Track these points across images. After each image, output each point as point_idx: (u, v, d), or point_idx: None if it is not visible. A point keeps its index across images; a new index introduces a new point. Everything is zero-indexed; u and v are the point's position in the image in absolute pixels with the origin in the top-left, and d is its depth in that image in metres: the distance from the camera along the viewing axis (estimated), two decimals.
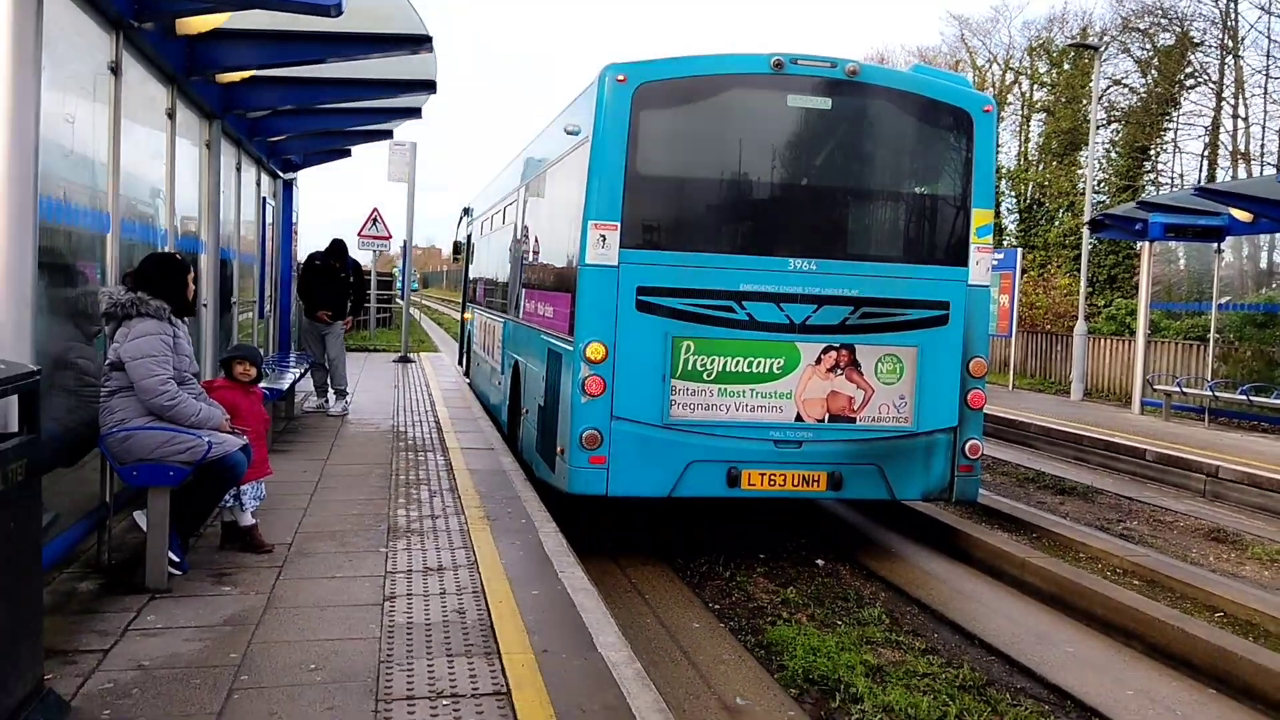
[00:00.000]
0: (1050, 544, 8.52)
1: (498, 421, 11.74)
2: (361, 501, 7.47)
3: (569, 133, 8.39)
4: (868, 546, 8.82)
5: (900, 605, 7.27)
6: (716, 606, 7.03)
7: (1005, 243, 35.81)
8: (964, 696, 5.43)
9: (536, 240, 10.30)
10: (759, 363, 7.59)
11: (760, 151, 7.96)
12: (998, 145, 39.09)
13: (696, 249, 7.62)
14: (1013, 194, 39.39)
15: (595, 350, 7.38)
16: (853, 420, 7.74)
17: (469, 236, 17.56)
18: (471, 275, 17.14)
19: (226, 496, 5.91)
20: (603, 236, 7.42)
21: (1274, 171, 26.54)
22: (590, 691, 4.20)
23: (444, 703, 4.02)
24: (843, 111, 7.88)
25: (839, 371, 7.69)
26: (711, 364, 7.55)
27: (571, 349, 7.65)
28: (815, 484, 7.69)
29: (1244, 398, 14.72)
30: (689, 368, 7.50)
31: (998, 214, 38.44)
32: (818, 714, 5.24)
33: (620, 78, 7.41)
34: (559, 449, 7.83)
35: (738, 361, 7.57)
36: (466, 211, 17.99)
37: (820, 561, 8.26)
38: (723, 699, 5.35)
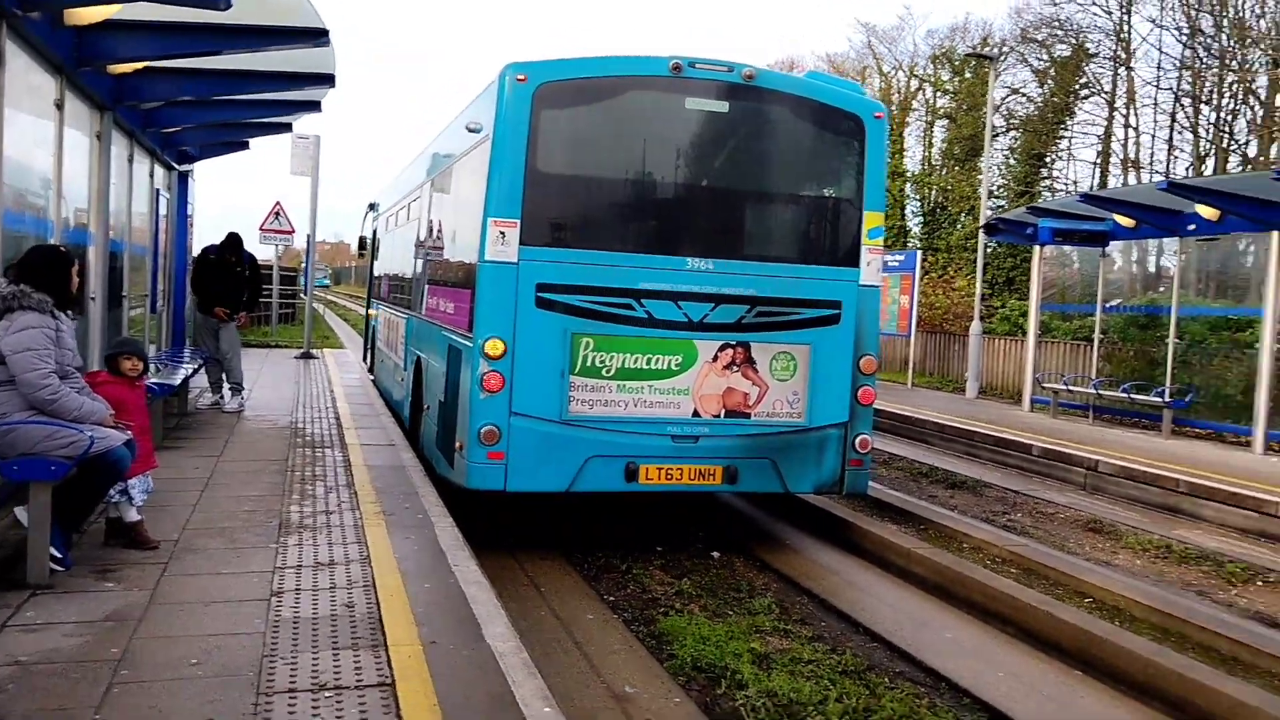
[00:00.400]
0: (936, 535, 8.83)
1: (400, 418, 11.69)
2: (254, 498, 7.38)
3: (470, 130, 8.42)
4: (763, 539, 9.02)
5: (791, 595, 7.46)
6: (612, 598, 7.14)
7: (909, 245, 36.72)
8: (845, 681, 5.62)
9: (439, 236, 10.30)
10: (657, 360, 7.74)
11: (659, 152, 8.10)
12: (903, 150, 40.16)
13: (596, 247, 7.72)
14: (917, 197, 40.41)
15: (494, 347, 7.45)
16: (748, 416, 7.93)
17: (374, 232, 17.46)
18: (376, 271, 17.06)
19: (113, 492, 5.80)
20: (502, 233, 7.48)
21: (1161, 179, 27.71)
22: (476, 681, 4.26)
23: (326, 695, 4.04)
24: (739, 115, 8.06)
25: (735, 368, 7.88)
26: (610, 361, 7.66)
27: (471, 345, 7.71)
28: (711, 478, 7.89)
29: (1125, 395, 15.38)
30: (588, 364, 7.60)
31: (902, 217, 39.43)
32: (703, 700, 5.37)
33: (520, 77, 7.48)
34: (458, 445, 7.87)
35: (636, 358, 7.70)
36: (372, 206, 17.91)
37: (716, 554, 8.42)
38: (611, 687, 5.45)
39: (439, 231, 10.30)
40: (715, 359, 7.83)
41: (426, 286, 10.65)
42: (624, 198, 8.07)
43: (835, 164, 8.47)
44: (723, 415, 7.87)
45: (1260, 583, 8.10)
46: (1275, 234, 13.16)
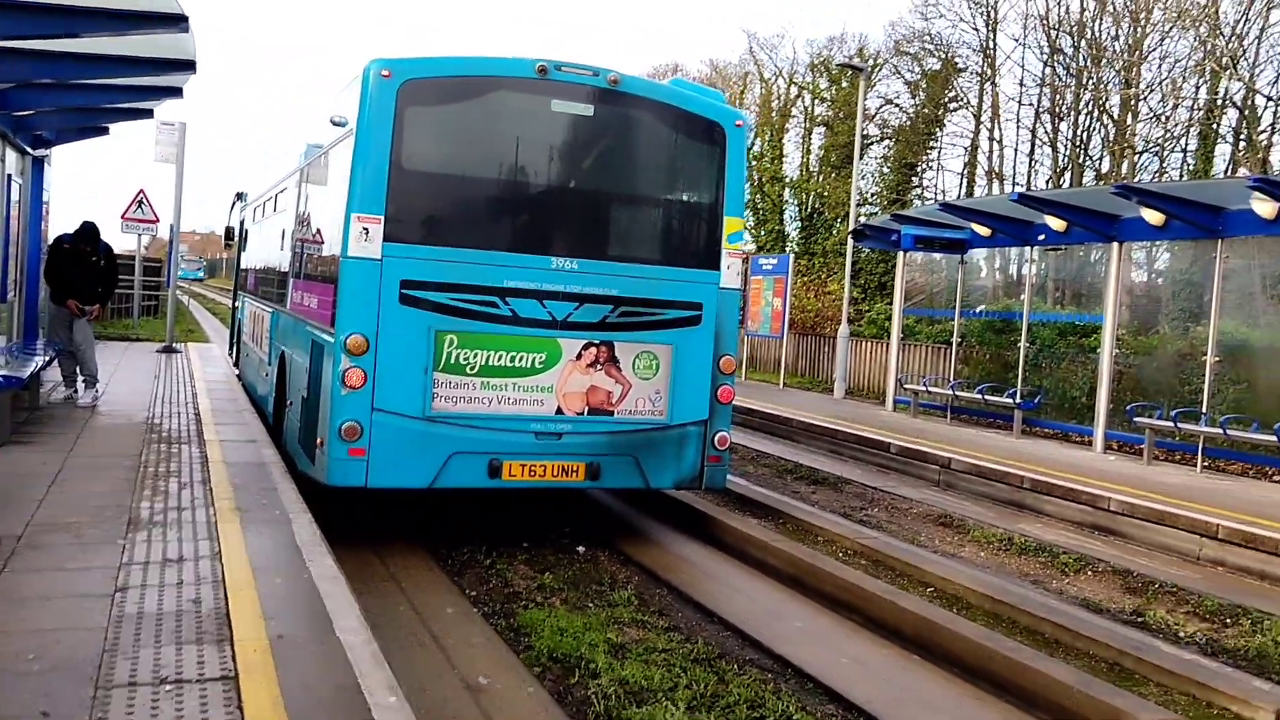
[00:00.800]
0: (794, 529, 9.16)
1: (264, 414, 11.48)
2: (103, 494, 7.17)
3: (335, 124, 8.36)
4: (627, 532, 9.18)
5: (651, 588, 7.63)
6: (473, 593, 7.19)
7: (787, 249, 37.57)
8: (695, 669, 5.81)
9: (303, 230, 10.21)
10: (521, 357, 7.84)
11: (525, 152, 8.18)
12: (782, 156, 41.04)
13: (461, 245, 7.75)
14: (795, 203, 41.37)
15: (356, 343, 7.44)
16: (611, 414, 8.11)
17: (241, 223, 17.05)
18: (243, 264, 16.70)
19: None
20: (366, 229, 7.48)
21: (1022, 190, 29.01)
22: (322, 673, 4.27)
23: (166, 688, 4.00)
24: (604, 119, 8.22)
25: (598, 367, 8.05)
26: (474, 358, 7.73)
27: (333, 340, 7.67)
28: (574, 474, 8.03)
29: (980, 397, 16.13)
30: (451, 361, 7.65)
31: (781, 222, 40.35)
32: (556, 690, 5.48)
33: (385, 73, 7.48)
34: (319, 441, 7.83)
35: (500, 356, 7.79)
36: (239, 196, 17.51)
37: (581, 548, 8.54)
38: (466, 679, 5.52)
39: (304, 225, 10.17)
40: (579, 357, 7.98)
41: (292, 280, 10.51)
42: (490, 196, 8.13)
43: (697, 169, 8.69)
44: (586, 413, 8.03)
45: (1090, 572, 8.64)
46: (1115, 245, 14.01)
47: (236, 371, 15.98)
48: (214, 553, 5.88)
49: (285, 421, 9.84)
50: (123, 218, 21.11)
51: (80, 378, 11.67)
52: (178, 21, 7.42)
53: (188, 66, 8.94)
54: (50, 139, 14.07)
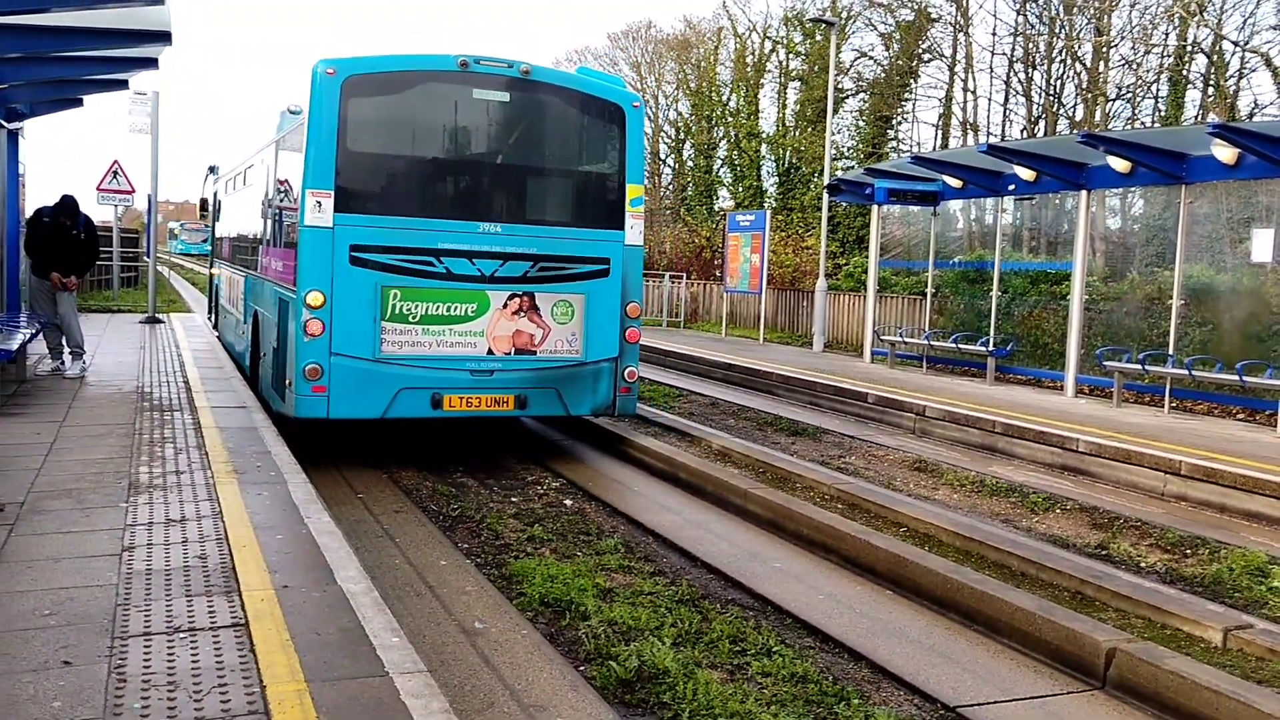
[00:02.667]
0: (773, 476, 9.44)
1: (241, 367, 12.73)
2: (101, 460, 7.37)
3: (292, 113, 9.77)
4: (613, 485, 9.45)
5: (637, 536, 7.91)
6: (465, 546, 7.44)
7: (764, 205, 37.69)
8: (680, 609, 6.10)
9: (267, 203, 11.48)
10: (456, 307, 9.23)
11: (453, 134, 9.60)
12: (758, 112, 41.02)
13: (401, 214, 9.10)
14: (772, 158, 41.42)
15: (315, 298, 8.82)
16: (534, 353, 9.54)
17: (215, 194, 18.26)
18: (218, 233, 18.01)
19: None
20: (319, 202, 8.82)
21: (995, 140, 29.21)
22: (327, 618, 4.52)
23: (181, 636, 4.24)
24: (519, 104, 9.57)
25: (522, 314, 9.46)
26: (416, 308, 9.12)
27: (295, 297, 9.02)
28: (505, 405, 9.49)
29: (954, 346, 16.45)
30: (396, 312, 9.05)
31: (758, 178, 40.44)
32: (549, 631, 5.75)
33: (330, 71, 8.77)
34: (287, 382, 9.19)
35: (438, 306, 9.18)
36: (212, 169, 18.79)
37: (568, 502, 8.82)
38: (462, 624, 5.78)
39: (269, 198, 11.41)
40: (505, 306, 9.38)
41: (260, 247, 11.78)
42: (424, 172, 9.51)
43: (601, 145, 10.05)
44: (513, 353, 9.46)
45: (1058, 510, 8.98)
46: (1084, 193, 14.28)
47: (216, 333, 16.87)
48: (215, 512, 6.11)
49: (260, 370, 11.17)
50: (98, 189, 21.03)
51: (66, 349, 11.81)
52: None
53: (163, 38, 9.01)
54: (24, 112, 14.05)
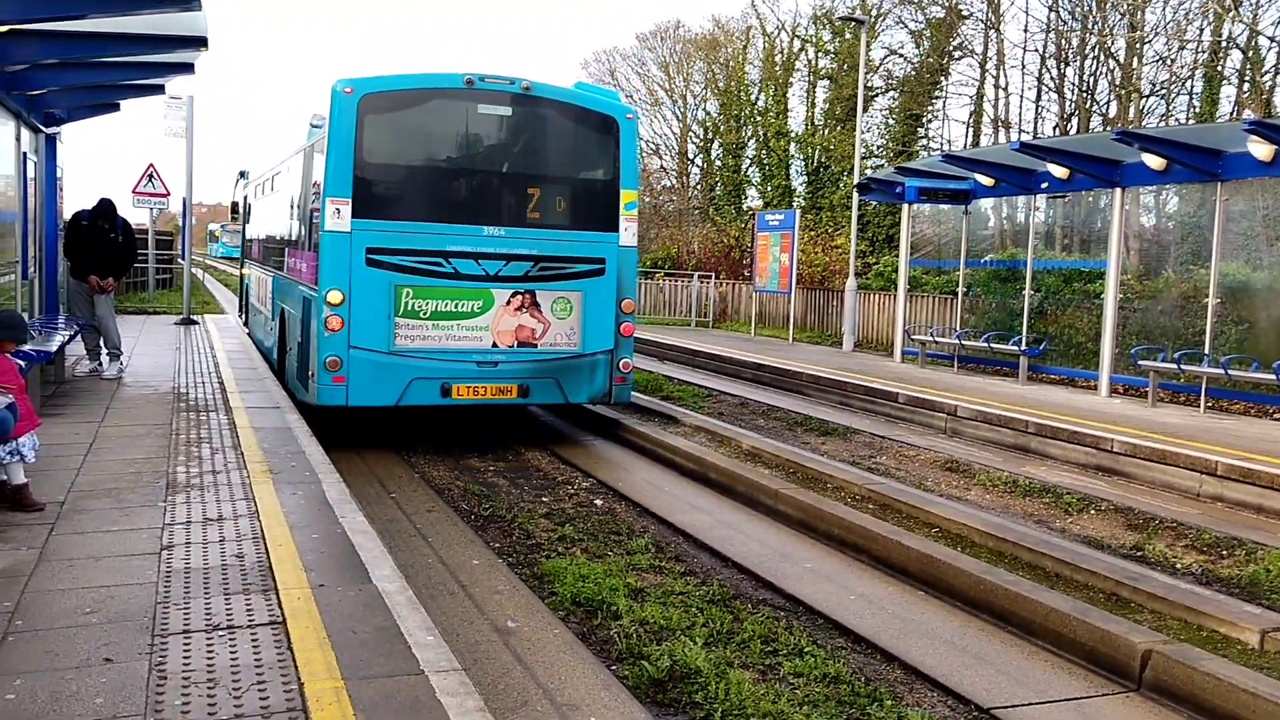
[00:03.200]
0: (803, 477, 9.42)
1: (269, 361, 13.49)
2: (139, 460, 7.48)
3: (314, 126, 10.51)
4: (643, 485, 9.47)
5: (667, 536, 7.93)
6: (497, 545, 7.49)
7: (793, 204, 37.58)
8: (712, 609, 6.11)
9: (293, 209, 12.27)
10: (463, 304, 10.02)
11: (461, 146, 10.45)
12: (786, 110, 40.90)
13: (413, 219, 9.89)
14: (801, 157, 41.26)
15: (334, 296, 9.62)
16: (535, 346, 10.32)
17: (245, 198, 19.33)
18: (248, 235, 19.04)
19: (3, 453, 5.89)
20: (338, 209, 9.60)
21: (1029, 138, 28.96)
22: (363, 617, 4.57)
23: (220, 634, 4.30)
24: (520, 117, 10.41)
25: (524, 310, 10.24)
26: (426, 305, 9.92)
27: (317, 295, 9.80)
28: (509, 393, 10.27)
29: (986, 345, 16.33)
30: (409, 309, 9.84)
31: (787, 177, 40.32)
32: (580, 631, 5.78)
33: (348, 90, 9.59)
34: (310, 373, 9.99)
35: (447, 303, 9.98)
36: (242, 174, 19.78)
37: (599, 502, 8.85)
38: (495, 623, 5.82)
39: (294, 204, 12.21)
40: (508, 303, 10.18)
41: (286, 249, 12.63)
42: (433, 181, 10.30)
43: (597, 154, 10.74)
44: (515, 346, 10.24)
45: (1092, 511, 8.90)
46: (1118, 190, 14.14)
47: (246, 331, 17.68)
48: (251, 511, 6.19)
49: (286, 363, 11.91)
50: (134, 192, 21.30)
51: (104, 351, 11.97)
52: (189, 0, 7.59)
53: (200, 43, 9.12)
54: (62, 116, 14.26)
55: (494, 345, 10.09)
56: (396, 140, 10.08)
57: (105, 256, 11.81)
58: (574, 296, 10.38)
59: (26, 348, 8.40)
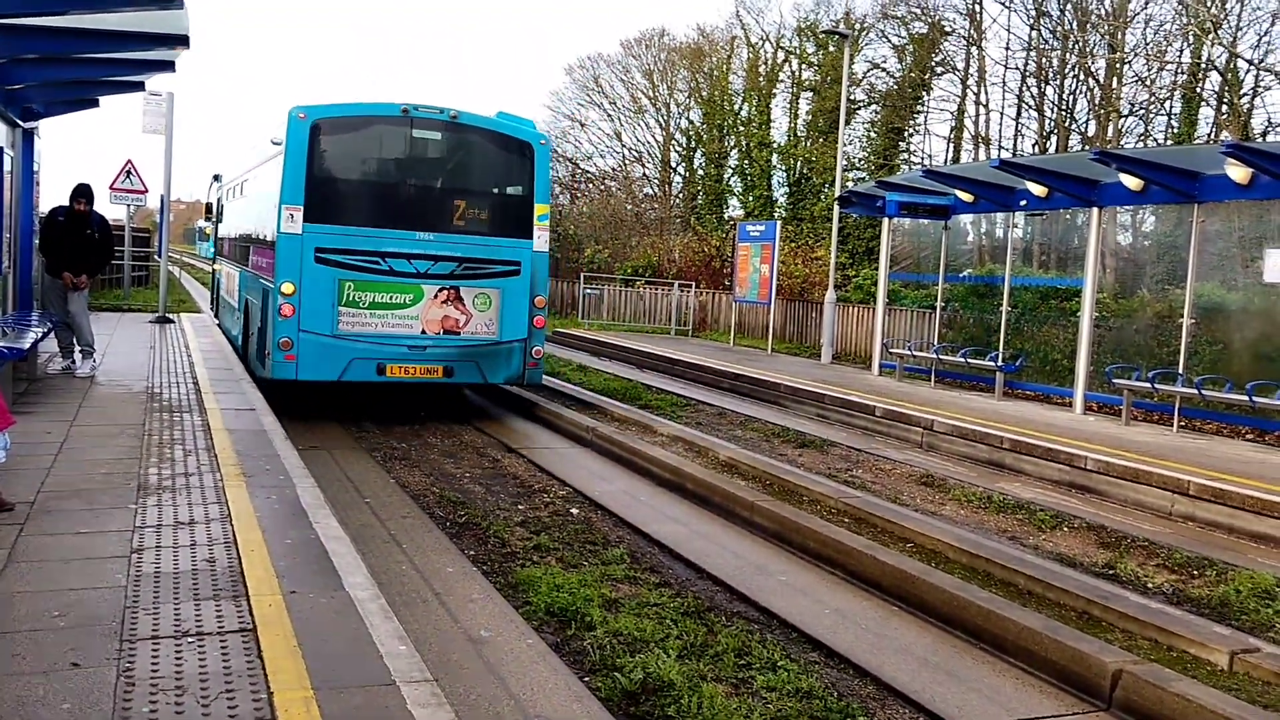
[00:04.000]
0: (779, 489, 9.43)
1: (234, 345, 15.40)
2: (110, 461, 7.40)
3: (275, 144, 12.13)
4: (620, 495, 9.45)
5: (643, 547, 7.91)
6: (472, 553, 7.45)
7: (774, 215, 37.70)
8: (686, 621, 6.10)
9: (257, 213, 14.01)
10: (396, 297, 11.71)
11: (397, 164, 12.23)
12: (769, 121, 41.03)
13: (356, 224, 11.60)
14: (783, 168, 41.44)
15: (287, 288, 11.28)
16: (459, 334, 12.02)
17: (218, 200, 21.14)
18: (220, 234, 20.87)
19: None
20: (291, 215, 11.33)
21: (1007, 155, 29.20)
22: (335, 624, 4.53)
23: (189, 640, 4.25)
24: (449, 141, 12.26)
25: (449, 304, 11.91)
26: (365, 297, 11.61)
27: (273, 287, 11.50)
28: (435, 373, 11.91)
29: (963, 360, 16.43)
30: (350, 299, 11.54)
31: (769, 188, 40.47)
32: (554, 641, 5.75)
33: (301, 115, 11.33)
34: (266, 352, 11.72)
35: (382, 296, 11.65)
36: (216, 177, 21.68)
37: (575, 511, 8.82)
38: (468, 632, 5.79)
39: (257, 209, 14.03)
40: (436, 297, 11.87)
41: (251, 248, 14.44)
42: (374, 193, 12.04)
43: (514, 173, 12.55)
44: (442, 333, 11.92)
45: (1066, 528, 8.96)
46: (1095, 210, 14.27)
47: (216, 321, 19.61)
48: (223, 515, 6.13)
49: (248, 345, 13.62)
50: (111, 188, 21.13)
51: (77, 348, 11.84)
52: None
53: (181, 41, 9.04)
54: (40, 111, 14.08)
55: (423, 332, 11.78)
56: (342, 158, 11.98)
57: (80, 253, 11.69)
58: (493, 293, 12.11)
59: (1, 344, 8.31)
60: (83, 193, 11.80)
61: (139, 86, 13.14)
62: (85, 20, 8.77)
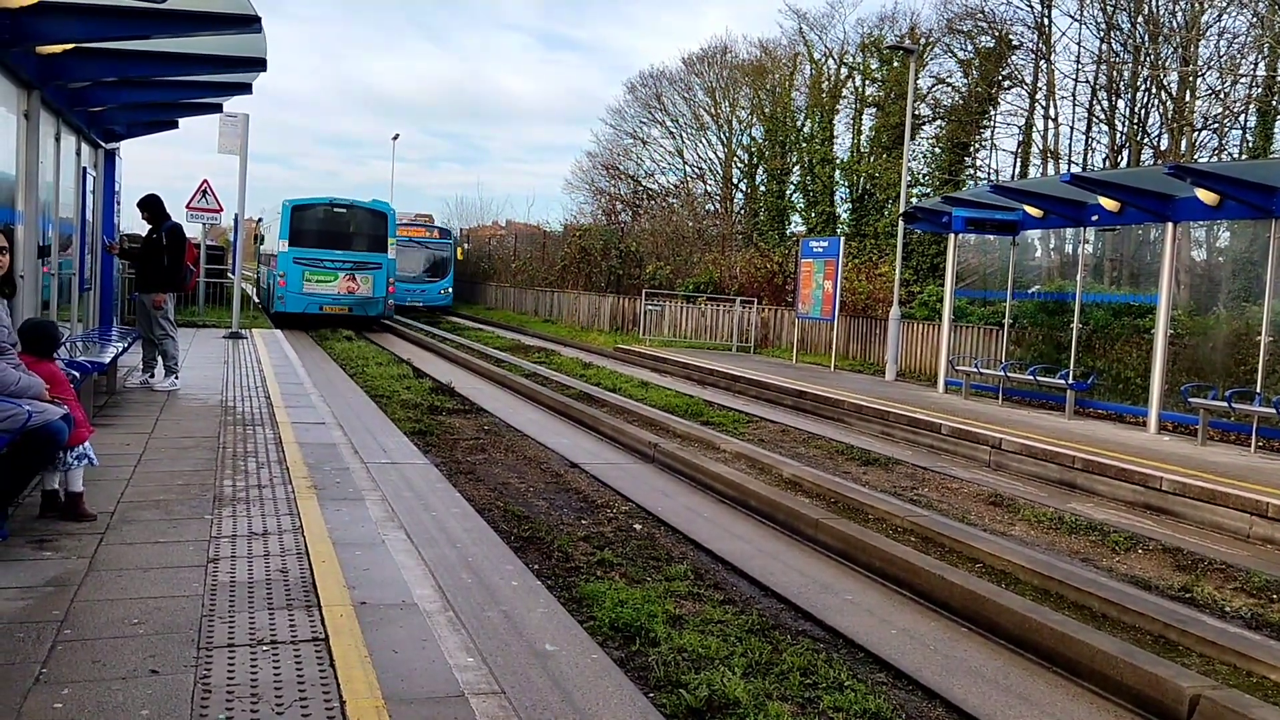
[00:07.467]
0: (844, 507, 9.35)
1: (262, 298, 34.50)
2: (187, 472, 7.59)
3: (279, 213, 28.87)
4: (683, 511, 9.43)
5: (706, 563, 7.89)
6: (536, 567, 7.49)
7: (837, 231, 37.44)
8: (751, 639, 6.06)
9: (271, 242, 31.06)
10: (327, 279, 28.35)
11: (329, 222, 29.18)
12: (832, 137, 40.78)
13: (311, 247, 28.36)
14: (846, 184, 41.13)
15: (281, 274, 28.16)
16: (354, 294, 28.69)
17: (260, 230, 38.98)
18: (261, 250, 37.99)
19: (70, 459, 6.02)
20: (285, 242, 28.24)
21: (1078, 170, 28.65)
22: (403, 635, 4.60)
23: (263, 649, 4.34)
24: (351, 212, 29.59)
25: (351, 281, 28.61)
26: (314, 279, 28.27)
27: (275, 273, 28.97)
28: (345, 311, 28.68)
29: (1032, 378, 16.14)
30: (308, 279, 28.17)
31: (831, 204, 40.22)
32: (619, 657, 5.76)
33: (287, 202, 28.78)
34: (271, 300, 29.40)
35: (322, 277, 28.33)
36: (260, 219, 40.06)
37: (638, 527, 8.83)
38: (533, 646, 5.81)
39: (270, 238, 31.76)
40: (345, 278, 28.50)
41: (269, 258, 31.36)
42: (318, 234, 28.69)
43: (380, 224, 29.54)
44: (347, 294, 28.53)
45: (1140, 550, 8.75)
46: (1169, 225, 13.96)
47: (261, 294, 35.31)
48: (295, 527, 6.25)
49: (269, 301, 30.25)
50: (188, 207, 21.74)
51: (161, 364, 12.14)
52: (250, 23, 7.75)
53: (258, 64, 9.30)
54: (121, 132, 14.59)
55: (339, 293, 28.31)
56: (306, 220, 28.49)
57: (154, 267, 11.81)
58: (370, 276, 28.68)
59: (81, 358, 8.59)
60: (143, 204, 11.76)
61: (217, 108, 13.52)
62: (166, 44, 9.06)
